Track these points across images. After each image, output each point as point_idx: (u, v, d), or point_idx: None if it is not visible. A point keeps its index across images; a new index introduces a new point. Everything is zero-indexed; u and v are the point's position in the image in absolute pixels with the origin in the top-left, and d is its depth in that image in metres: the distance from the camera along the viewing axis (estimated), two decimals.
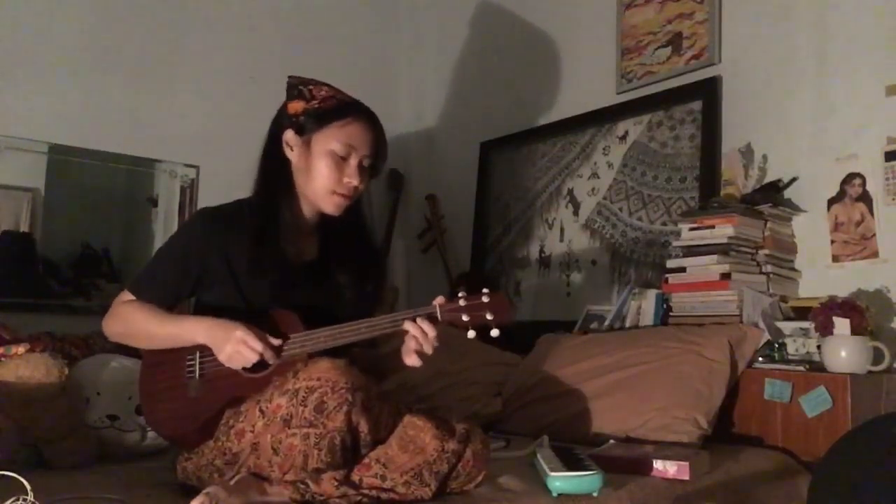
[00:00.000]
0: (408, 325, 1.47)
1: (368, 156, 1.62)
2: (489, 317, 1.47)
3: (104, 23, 2.82)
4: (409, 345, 1.49)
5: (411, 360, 1.49)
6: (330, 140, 1.58)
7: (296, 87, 1.63)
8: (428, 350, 1.48)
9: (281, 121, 1.64)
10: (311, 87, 1.62)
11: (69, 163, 2.75)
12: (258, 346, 1.43)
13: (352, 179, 1.59)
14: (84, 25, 2.78)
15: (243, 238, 1.57)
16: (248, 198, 1.66)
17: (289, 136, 1.62)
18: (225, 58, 3.08)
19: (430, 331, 1.47)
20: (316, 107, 1.59)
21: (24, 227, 2.66)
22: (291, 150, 1.62)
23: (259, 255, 1.56)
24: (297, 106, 1.60)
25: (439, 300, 1.51)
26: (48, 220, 2.71)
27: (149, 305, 1.55)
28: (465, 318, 1.48)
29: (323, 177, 1.58)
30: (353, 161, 1.60)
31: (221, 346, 1.45)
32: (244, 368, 1.47)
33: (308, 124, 1.59)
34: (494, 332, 1.48)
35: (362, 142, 1.60)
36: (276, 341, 1.47)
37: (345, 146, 1.58)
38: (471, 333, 1.49)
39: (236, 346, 1.44)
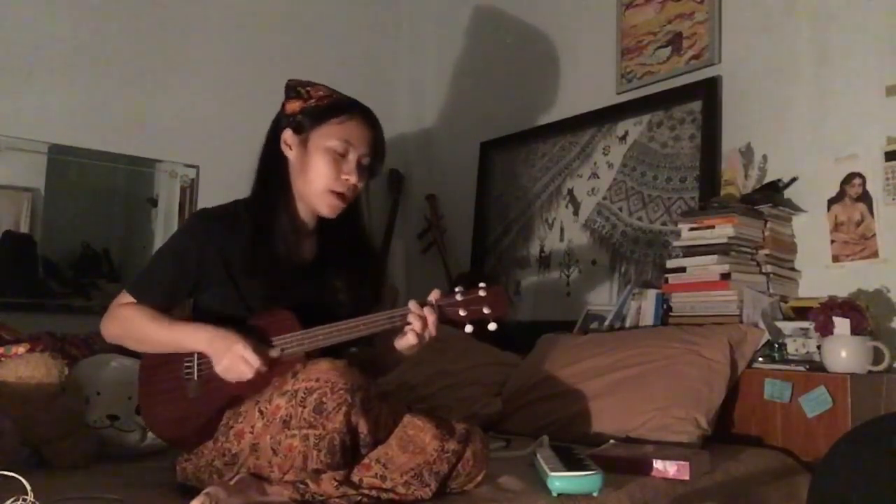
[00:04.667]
0: (408, 315, 1.48)
1: (367, 154, 1.62)
2: (486, 310, 1.47)
3: (104, 23, 2.82)
4: (405, 330, 1.49)
5: (405, 339, 1.50)
6: (328, 137, 1.58)
7: (294, 87, 1.64)
8: (425, 335, 1.49)
9: (279, 121, 1.65)
10: (308, 87, 1.63)
11: (69, 163, 2.75)
12: (256, 362, 1.43)
13: (350, 176, 1.59)
14: (84, 25, 2.77)
15: (240, 238, 1.57)
16: (246, 198, 1.66)
17: (287, 135, 1.62)
18: (225, 58, 3.08)
19: (430, 314, 1.48)
20: (313, 105, 1.60)
21: (24, 228, 2.66)
22: (290, 149, 1.62)
23: (254, 256, 1.55)
24: (294, 105, 1.61)
25: (434, 294, 1.51)
26: (48, 220, 2.71)
27: (148, 309, 1.54)
28: (462, 312, 1.48)
29: (320, 174, 1.58)
30: (352, 158, 1.59)
31: (220, 357, 1.45)
32: None
33: (306, 122, 1.60)
34: (492, 326, 1.48)
35: (360, 139, 1.60)
36: (274, 353, 1.47)
37: (342, 143, 1.58)
38: (468, 328, 1.49)
39: (234, 361, 1.43)
